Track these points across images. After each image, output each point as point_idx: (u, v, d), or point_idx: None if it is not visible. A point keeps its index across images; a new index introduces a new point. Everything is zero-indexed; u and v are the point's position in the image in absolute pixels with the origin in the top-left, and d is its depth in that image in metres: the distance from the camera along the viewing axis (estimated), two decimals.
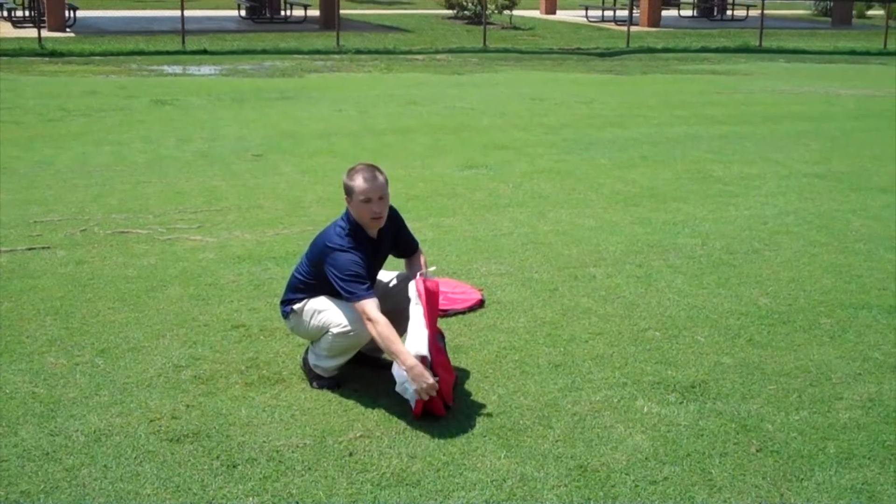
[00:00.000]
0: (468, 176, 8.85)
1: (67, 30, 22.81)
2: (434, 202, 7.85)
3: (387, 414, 4.15)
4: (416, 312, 4.19)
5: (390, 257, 4.60)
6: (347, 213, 4.34)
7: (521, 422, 4.10)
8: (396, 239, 4.52)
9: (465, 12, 27.70)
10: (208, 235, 6.78)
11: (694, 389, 4.43)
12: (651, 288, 5.82)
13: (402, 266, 4.64)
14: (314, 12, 26.21)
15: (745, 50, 23.08)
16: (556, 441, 3.94)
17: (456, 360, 4.63)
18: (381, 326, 4.06)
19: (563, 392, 4.39)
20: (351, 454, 3.82)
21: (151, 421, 4.06)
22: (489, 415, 4.16)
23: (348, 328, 4.23)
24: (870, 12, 34.87)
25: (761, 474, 3.73)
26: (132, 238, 6.69)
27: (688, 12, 31.72)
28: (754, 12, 28.90)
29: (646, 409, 4.22)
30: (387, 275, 4.61)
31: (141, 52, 19.64)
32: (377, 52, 21.10)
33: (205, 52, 19.88)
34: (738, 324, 5.26)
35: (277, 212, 7.47)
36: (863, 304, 5.59)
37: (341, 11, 23.69)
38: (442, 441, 3.92)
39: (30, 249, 6.37)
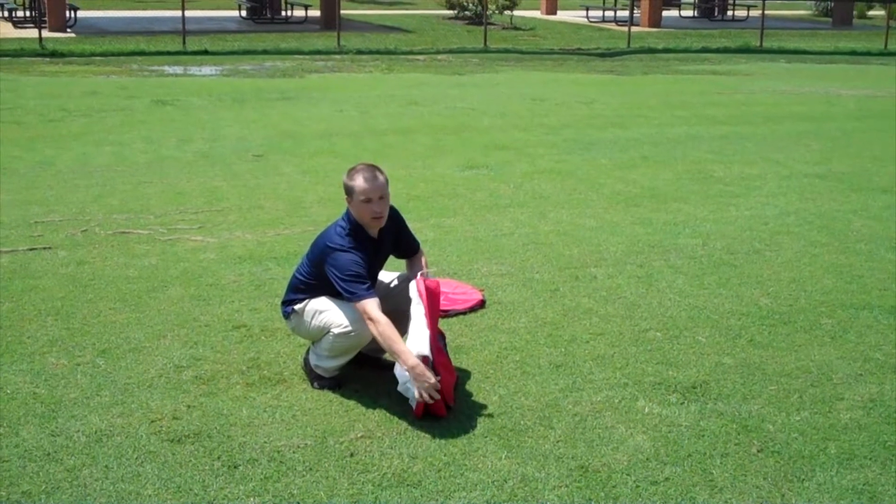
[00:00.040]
0: (469, 176, 8.85)
1: (68, 30, 22.80)
2: (435, 202, 7.85)
3: (388, 414, 4.16)
4: (418, 312, 4.19)
5: (391, 258, 4.60)
6: (348, 214, 4.34)
7: (522, 422, 4.10)
8: (397, 239, 4.52)
9: (466, 13, 27.70)
10: (209, 236, 6.78)
11: (695, 390, 4.43)
12: (652, 288, 5.82)
13: (402, 267, 4.64)
14: (315, 12, 26.20)
15: (745, 50, 23.08)
16: (558, 441, 3.95)
17: (457, 360, 4.63)
18: (382, 326, 4.06)
19: (565, 392, 4.39)
20: (352, 455, 3.82)
21: (152, 421, 4.06)
22: (490, 415, 4.16)
23: (349, 328, 4.23)
24: (870, 13, 34.86)
25: (762, 475, 3.73)
26: (133, 238, 6.69)
27: (688, 13, 31.71)
28: (755, 13, 28.90)
29: (647, 410, 4.23)
30: (388, 275, 4.61)
31: (142, 53, 19.64)
32: (378, 52, 21.09)
33: (206, 52, 19.88)
34: (739, 324, 5.26)
35: (278, 212, 7.47)
36: (864, 304, 5.59)
37: (342, 12, 23.69)
38: (443, 441, 3.93)
39: (31, 250, 6.37)
